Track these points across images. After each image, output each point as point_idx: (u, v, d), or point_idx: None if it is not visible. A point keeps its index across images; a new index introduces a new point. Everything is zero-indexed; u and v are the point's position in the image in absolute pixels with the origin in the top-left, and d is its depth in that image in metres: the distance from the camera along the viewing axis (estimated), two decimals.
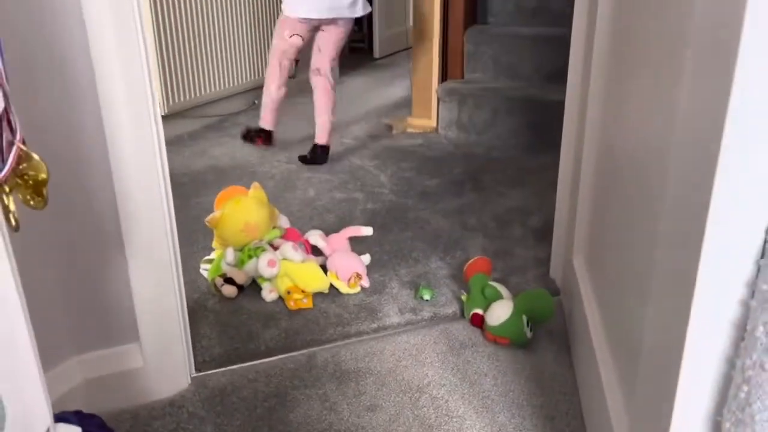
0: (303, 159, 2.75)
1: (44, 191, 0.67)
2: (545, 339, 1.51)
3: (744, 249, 0.61)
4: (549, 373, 1.39)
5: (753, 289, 0.62)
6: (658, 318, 0.77)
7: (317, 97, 2.75)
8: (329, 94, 2.74)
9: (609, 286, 1.18)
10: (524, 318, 1.44)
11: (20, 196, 0.66)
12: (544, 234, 1.99)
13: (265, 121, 2.88)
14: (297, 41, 2.67)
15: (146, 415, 1.26)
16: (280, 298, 1.66)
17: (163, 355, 1.30)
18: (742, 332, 0.64)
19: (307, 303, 1.63)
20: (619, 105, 1.20)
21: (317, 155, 2.75)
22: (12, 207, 0.62)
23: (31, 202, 0.67)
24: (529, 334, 1.45)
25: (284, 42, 2.68)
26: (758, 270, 0.62)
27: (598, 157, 1.39)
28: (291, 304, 1.62)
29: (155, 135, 1.18)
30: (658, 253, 0.78)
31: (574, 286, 1.48)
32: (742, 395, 0.64)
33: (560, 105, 1.64)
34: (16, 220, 0.62)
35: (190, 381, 1.36)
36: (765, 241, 0.61)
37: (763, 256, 0.61)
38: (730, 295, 0.64)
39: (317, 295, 1.68)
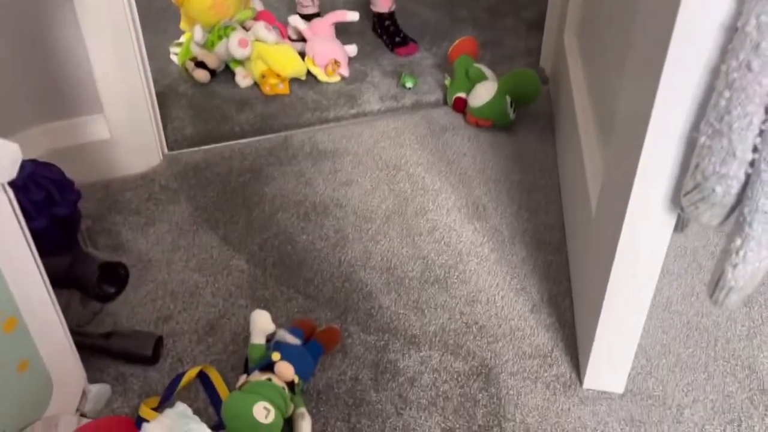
0: None
1: None
2: (529, 121, 1.46)
3: None
4: (530, 152, 1.36)
5: None
6: (641, 34, 0.71)
7: None
8: None
9: (595, 55, 1.10)
10: (507, 98, 1.38)
11: None
12: (537, 25, 1.86)
13: None
14: None
15: (118, 187, 1.25)
16: (255, 84, 1.58)
17: (130, 129, 1.26)
18: (730, 35, 0.58)
19: (283, 89, 1.55)
20: None
21: None
22: None
23: None
24: (512, 115, 1.40)
25: None
26: None
27: None
28: (266, 89, 1.55)
29: None
30: None
31: (563, 62, 1.40)
32: (723, 102, 0.59)
33: None
34: None
35: (161, 158, 1.33)
36: None
37: None
38: None
39: (294, 82, 1.60)
